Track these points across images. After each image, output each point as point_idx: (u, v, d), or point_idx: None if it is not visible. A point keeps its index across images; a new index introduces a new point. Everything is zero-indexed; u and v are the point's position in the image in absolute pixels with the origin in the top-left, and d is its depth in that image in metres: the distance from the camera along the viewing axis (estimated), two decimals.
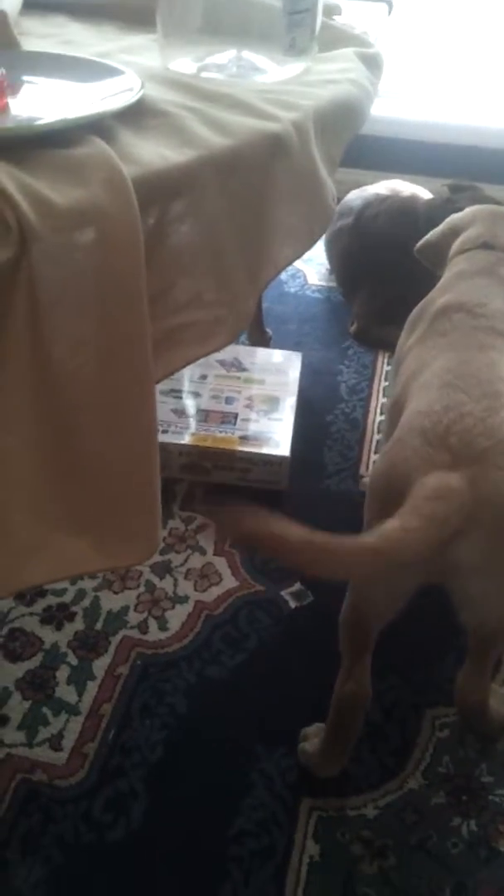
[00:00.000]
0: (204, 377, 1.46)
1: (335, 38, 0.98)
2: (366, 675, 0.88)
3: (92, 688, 1.02)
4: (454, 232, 1.13)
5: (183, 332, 0.65)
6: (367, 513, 0.82)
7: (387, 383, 1.61)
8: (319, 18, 0.86)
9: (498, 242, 1.06)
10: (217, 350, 0.69)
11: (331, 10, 1.06)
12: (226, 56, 0.83)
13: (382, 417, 1.51)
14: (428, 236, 1.20)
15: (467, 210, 1.16)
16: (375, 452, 1.43)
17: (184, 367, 0.67)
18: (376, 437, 1.46)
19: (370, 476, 0.82)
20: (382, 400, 1.56)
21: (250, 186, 0.68)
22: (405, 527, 0.66)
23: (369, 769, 0.95)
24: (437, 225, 1.65)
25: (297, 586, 1.17)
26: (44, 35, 0.93)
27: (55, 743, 0.96)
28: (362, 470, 1.39)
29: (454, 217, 1.16)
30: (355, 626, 0.87)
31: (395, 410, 0.90)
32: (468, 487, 0.69)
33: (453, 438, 0.73)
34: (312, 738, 0.95)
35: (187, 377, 1.45)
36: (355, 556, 0.68)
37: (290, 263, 0.79)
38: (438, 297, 1.00)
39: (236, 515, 0.67)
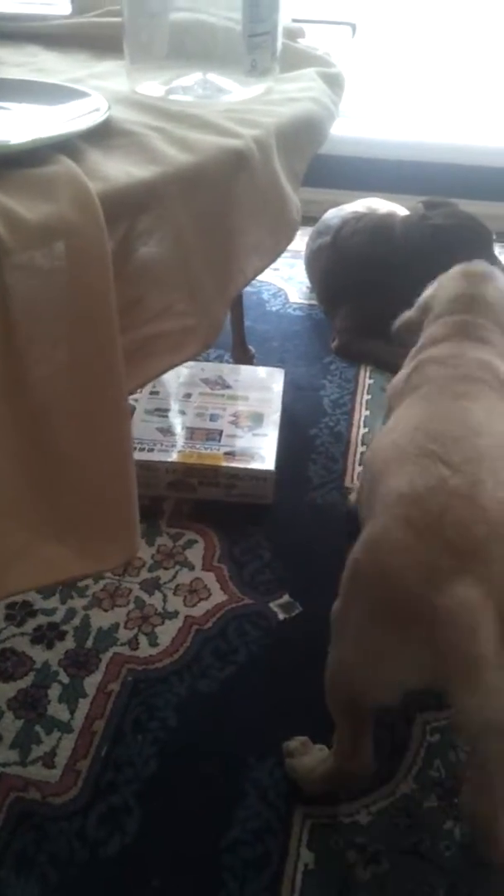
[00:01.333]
0: (188, 395, 1.48)
1: (297, 59, 1.01)
2: (369, 751, 0.85)
3: (84, 705, 1.02)
4: (427, 307, 1.11)
5: (155, 342, 0.67)
6: (349, 601, 0.77)
7: (369, 396, 1.64)
8: (280, 41, 0.89)
9: (471, 305, 1.03)
10: (189, 359, 0.71)
11: (294, 34, 1.09)
12: (192, 79, 0.86)
13: (366, 430, 1.53)
14: (402, 316, 1.18)
15: (435, 282, 1.14)
16: (360, 464, 1.44)
17: (158, 376, 0.68)
18: (360, 449, 1.48)
19: (353, 563, 0.76)
20: (366, 413, 1.58)
21: (215, 201, 0.71)
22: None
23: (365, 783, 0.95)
24: (413, 241, 1.69)
25: (285, 598, 1.18)
26: (18, 63, 0.96)
27: (48, 761, 0.96)
28: (347, 482, 1.40)
29: (425, 295, 1.14)
30: (351, 708, 0.83)
31: (368, 470, 0.86)
32: (487, 593, 0.65)
33: (450, 531, 0.67)
34: (298, 754, 0.94)
35: (172, 396, 1.47)
36: None
37: (257, 274, 0.81)
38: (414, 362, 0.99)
39: None
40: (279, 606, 1.17)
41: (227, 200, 0.72)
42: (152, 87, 0.87)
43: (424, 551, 0.67)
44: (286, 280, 2.07)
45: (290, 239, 0.84)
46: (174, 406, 1.45)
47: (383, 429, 0.92)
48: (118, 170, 0.63)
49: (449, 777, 0.95)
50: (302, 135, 0.86)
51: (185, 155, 0.67)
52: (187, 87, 0.86)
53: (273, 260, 0.83)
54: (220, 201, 0.71)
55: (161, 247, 0.65)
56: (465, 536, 0.67)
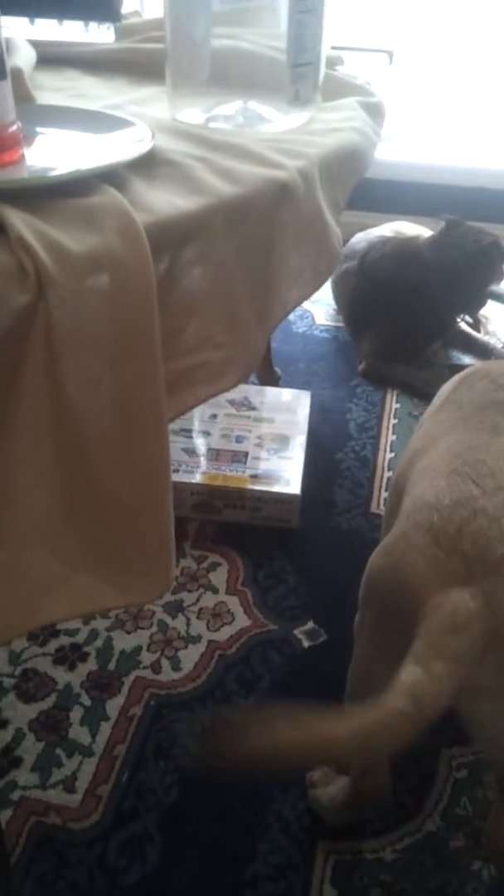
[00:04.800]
0: (214, 416, 1.47)
1: (338, 89, 1.02)
2: (385, 771, 0.84)
3: (105, 729, 1.02)
4: None
5: (195, 372, 0.67)
6: (364, 607, 0.76)
7: (395, 420, 1.63)
8: (322, 71, 0.89)
9: None
10: (228, 389, 0.70)
11: (333, 62, 1.09)
12: (233, 107, 0.86)
13: (392, 455, 1.52)
14: None
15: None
16: (386, 490, 1.43)
17: (196, 405, 0.68)
18: (387, 474, 1.47)
19: (367, 570, 0.75)
20: (392, 437, 1.57)
21: (258, 232, 0.70)
22: (432, 678, 0.60)
23: (386, 810, 0.94)
24: (441, 264, 1.68)
25: (309, 625, 1.17)
26: (57, 89, 0.96)
27: (69, 785, 0.96)
28: (373, 507, 1.39)
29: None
30: None
31: (396, 489, 0.84)
32: (486, 606, 0.62)
33: (466, 542, 0.66)
34: (322, 784, 0.93)
35: (197, 417, 1.47)
36: (387, 730, 0.59)
37: (298, 305, 0.80)
38: None
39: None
40: (303, 633, 1.16)
41: (271, 232, 0.72)
42: (193, 114, 0.87)
43: (437, 555, 0.66)
44: (313, 302, 2.06)
45: (331, 270, 0.83)
46: (199, 427, 1.45)
47: (413, 445, 0.88)
48: (163, 201, 0.63)
49: (476, 815, 0.94)
50: (344, 165, 0.86)
51: (229, 186, 0.67)
52: (228, 115, 0.86)
53: (314, 290, 0.83)
54: (263, 233, 0.71)
55: (204, 278, 0.65)
56: (481, 551, 0.65)
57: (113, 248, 0.56)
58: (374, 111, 1.00)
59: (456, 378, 0.95)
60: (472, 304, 1.77)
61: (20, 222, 0.54)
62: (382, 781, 0.84)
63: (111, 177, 0.64)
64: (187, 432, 1.44)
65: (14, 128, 0.64)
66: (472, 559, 0.65)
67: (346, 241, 1.89)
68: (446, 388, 0.96)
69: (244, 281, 0.69)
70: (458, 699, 0.65)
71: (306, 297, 0.81)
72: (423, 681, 0.59)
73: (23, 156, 0.66)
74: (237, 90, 0.86)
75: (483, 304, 1.77)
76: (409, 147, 2.30)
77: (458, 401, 0.89)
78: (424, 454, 0.82)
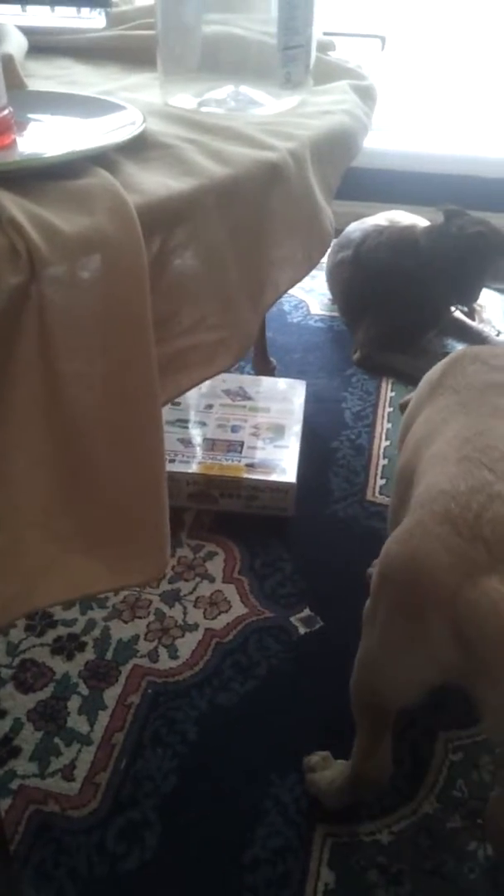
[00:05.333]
0: (210, 406, 1.47)
1: (330, 72, 1.01)
2: (388, 755, 0.84)
3: (103, 717, 1.02)
4: None
5: (188, 354, 0.67)
6: (378, 597, 0.75)
7: (390, 409, 1.63)
8: (313, 53, 0.89)
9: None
10: (222, 371, 0.70)
11: (325, 46, 1.09)
12: (224, 91, 0.86)
13: (387, 443, 1.52)
14: None
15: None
16: (382, 477, 1.43)
17: (191, 388, 0.68)
18: (382, 462, 1.47)
19: (382, 559, 0.74)
20: (387, 425, 1.57)
21: (250, 213, 0.70)
22: None
23: (383, 793, 0.94)
24: (437, 252, 1.68)
25: (306, 612, 1.17)
26: (49, 76, 0.96)
27: (67, 773, 0.96)
28: (369, 495, 1.39)
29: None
30: (372, 707, 0.82)
31: (402, 479, 0.84)
32: None
33: (487, 529, 0.66)
34: (320, 768, 0.94)
35: (193, 407, 1.47)
36: None
37: (290, 287, 0.80)
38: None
39: None
40: (300, 620, 1.16)
41: (263, 213, 0.72)
42: (184, 99, 0.86)
43: (458, 543, 0.66)
44: (307, 292, 2.06)
45: (323, 252, 0.83)
46: (195, 417, 1.45)
47: (417, 433, 0.88)
48: (155, 182, 0.63)
49: (472, 797, 0.94)
50: (336, 148, 0.86)
51: (221, 167, 0.67)
52: (219, 99, 0.86)
53: (307, 272, 0.83)
54: (255, 214, 0.71)
55: (196, 259, 0.65)
56: (502, 537, 0.65)
57: (104, 228, 0.56)
58: (366, 94, 1.00)
59: (443, 363, 0.95)
60: (466, 295, 1.77)
61: (12, 204, 0.54)
62: (385, 764, 0.84)
63: (102, 159, 0.64)
64: (183, 422, 1.44)
65: (5, 112, 0.64)
66: (493, 545, 0.65)
67: (340, 230, 1.89)
68: (434, 373, 0.95)
69: (236, 262, 0.69)
70: (475, 685, 0.66)
71: (299, 278, 0.81)
72: None
73: (14, 140, 0.66)
74: (228, 75, 0.86)
75: (477, 295, 1.77)
76: (402, 135, 2.30)
77: (454, 386, 0.89)
78: (431, 442, 0.82)
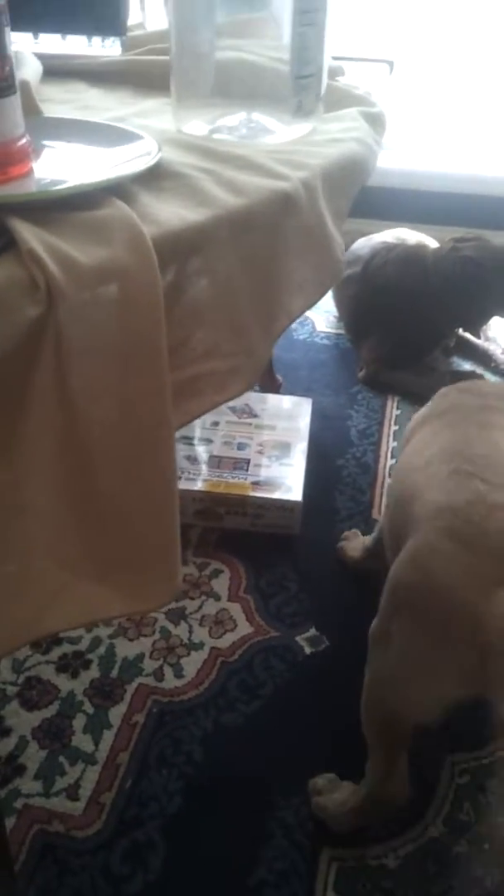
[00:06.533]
0: (216, 424, 1.48)
1: (340, 99, 1.02)
2: (405, 775, 0.84)
3: (108, 736, 1.02)
4: None
5: (201, 381, 0.67)
6: (390, 616, 0.76)
7: (396, 427, 1.63)
8: (325, 82, 0.90)
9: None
10: (233, 398, 0.71)
11: (334, 72, 1.10)
12: (236, 118, 0.87)
13: (393, 461, 1.52)
14: None
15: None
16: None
17: (203, 414, 0.69)
18: (387, 480, 1.48)
19: (395, 578, 0.75)
20: (393, 444, 1.58)
21: (263, 242, 0.71)
22: None
23: (389, 817, 0.94)
24: (444, 273, 1.69)
25: (311, 631, 1.17)
26: (63, 101, 0.97)
27: (72, 793, 0.96)
28: (374, 513, 1.40)
29: None
30: (387, 727, 0.82)
31: (399, 497, 0.85)
32: None
33: (494, 541, 0.67)
34: (327, 791, 0.93)
35: (199, 424, 1.48)
36: None
37: (302, 314, 0.81)
38: None
39: None
40: (305, 640, 1.16)
41: (275, 242, 0.73)
42: (197, 126, 0.87)
43: (470, 560, 0.67)
44: (314, 309, 2.06)
45: (334, 279, 0.84)
46: (201, 434, 1.46)
47: (406, 453, 0.91)
48: (170, 213, 0.64)
49: (479, 821, 0.94)
50: (347, 175, 0.87)
51: (234, 198, 0.68)
52: (232, 126, 0.87)
53: (318, 299, 0.84)
54: (268, 243, 0.72)
55: (209, 288, 0.66)
56: None
57: (121, 259, 0.57)
58: (375, 121, 1.01)
59: (430, 401, 0.99)
60: (470, 322, 1.77)
61: (31, 236, 0.55)
62: (402, 784, 0.85)
63: (119, 189, 0.65)
64: (189, 440, 1.44)
65: (23, 141, 0.65)
66: (502, 558, 0.67)
67: (347, 247, 1.89)
68: (422, 410, 0.99)
69: (249, 290, 0.70)
70: (498, 697, 0.68)
71: (310, 305, 0.82)
72: None
73: (32, 169, 0.67)
74: (241, 101, 0.87)
75: (483, 322, 1.77)
76: (409, 155, 2.31)
77: (438, 412, 0.92)
78: (419, 458, 0.84)
